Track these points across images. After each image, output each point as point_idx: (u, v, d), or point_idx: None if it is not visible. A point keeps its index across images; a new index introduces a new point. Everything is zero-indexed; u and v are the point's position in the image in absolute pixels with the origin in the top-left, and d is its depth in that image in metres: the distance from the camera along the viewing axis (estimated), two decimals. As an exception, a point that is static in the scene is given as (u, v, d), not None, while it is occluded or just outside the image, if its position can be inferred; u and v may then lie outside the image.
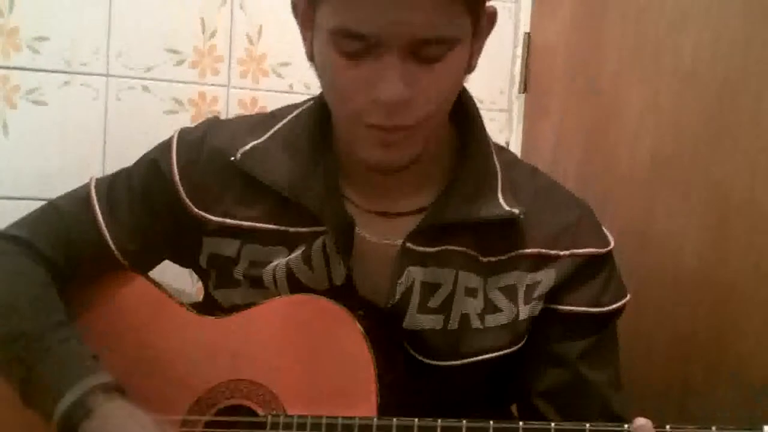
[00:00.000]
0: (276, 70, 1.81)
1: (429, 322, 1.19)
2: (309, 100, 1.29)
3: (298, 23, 1.15)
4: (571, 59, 1.84)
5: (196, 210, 1.23)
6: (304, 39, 1.15)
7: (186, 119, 1.76)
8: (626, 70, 1.64)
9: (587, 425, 1.01)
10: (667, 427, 0.99)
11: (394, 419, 1.07)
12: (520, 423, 1.03)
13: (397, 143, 1.09)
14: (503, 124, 1.99)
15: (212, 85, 1.79)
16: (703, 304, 1.42)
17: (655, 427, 0.99)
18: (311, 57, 1.14)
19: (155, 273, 1.33)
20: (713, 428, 0.97)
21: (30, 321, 1.18)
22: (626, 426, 1.00)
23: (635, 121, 1.61)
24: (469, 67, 1.14)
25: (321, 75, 1.12)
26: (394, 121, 1.06)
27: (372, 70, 1.03)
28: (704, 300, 1.41)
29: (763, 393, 1.27)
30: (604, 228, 1.27)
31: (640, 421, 0.99)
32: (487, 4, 1.11)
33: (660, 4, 1.54)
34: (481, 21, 1.11)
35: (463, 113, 1.24)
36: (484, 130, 1.25)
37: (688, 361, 1.44)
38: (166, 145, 1.28)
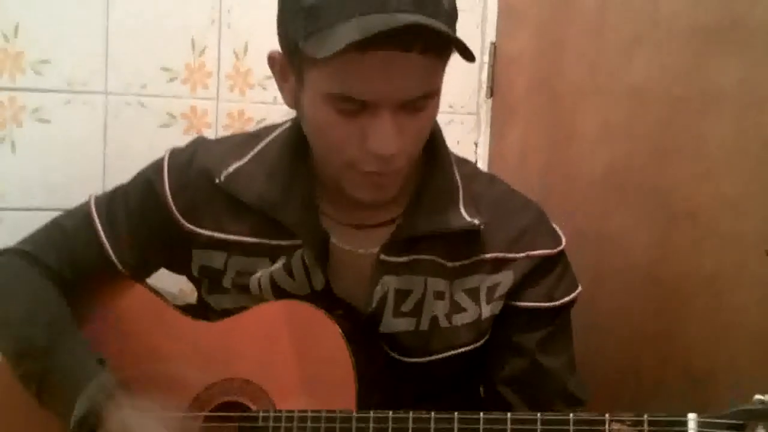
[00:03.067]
0: (261, 83, 1.84)
1: (403, 324, 1.24)
2: (287, 121, 1.32)
3: (274, 73, 1.19)
4: (534, 70, 1.87)
5: (188, 225, 1.28)
6: (282, 89, 1.19)
7: (179, 131, 1.79)
8: (584, 85, 1.67)
9: (539, 415, 1.06)
10: (606, 415, 1.04)
11: (371, 412, 1.12)
12: (481, 414, 1.08)
13: (389, 183, 1.16)
14: (472, 126, 2.03)
15: (202, 98, 1.81)
16: (652, 300, 1.47)
17: (594, 416, 1.04)
18: (293, 104, 1.18)
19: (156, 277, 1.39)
20: (645, 416, 1.02)
21: (38, 335, 1.24)
22: (572, 415, 1.05)
23: (592, 132, 1.65)
24: None
25: (310, 125, 1.16)
26: (389, 168, 1.12)
27: (367, 125, 1.08)
28: (653, 296, 1.46)
29: (706, 382, 1.33)
30: (556, 228, 1.31)
31: None
32: None
33: (616, 26, 1.58)
34: None
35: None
36: (446, 146, 1.30)
37: (640, 353, 1.49)
38: (158, 166, 1.32)
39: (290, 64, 1.13)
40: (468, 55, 1.05)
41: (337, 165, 1.15)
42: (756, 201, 1.25)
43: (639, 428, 1.02)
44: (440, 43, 1.06)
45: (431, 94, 1.11)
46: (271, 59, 1.18)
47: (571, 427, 1.04)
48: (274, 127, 1.34)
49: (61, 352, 1.22)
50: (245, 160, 1.28)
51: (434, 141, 1.27)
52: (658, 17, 1.46)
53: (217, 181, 1.26)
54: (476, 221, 1.23)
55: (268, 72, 1.75)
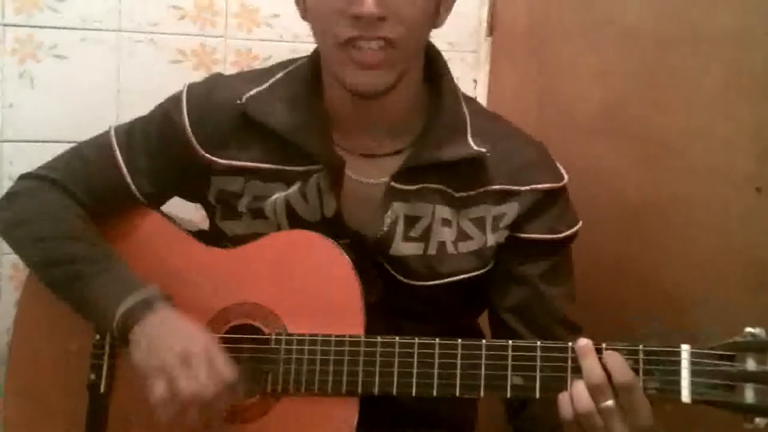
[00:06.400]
0: (267, 22, 1.84)
1: (411, 249, 1.25)
2: (301, 58, 1.34)
3: None
4: (531, 10, 1.85)
5: (206, 154, 1.28)
6: (298, 4, 1.24)
7: (189, 68, 1.80)
8: (577, 30, 1.67)
9: (538, 343, 1.09)
10: (603, 344, 1.06)
11: (379, 337, 1.15)
12: (483, 341, 1.11)
13: (376, 65, 1.16)
14: (472, 63, 2.02)
15: (211, 36, 1.81)
16: (639, 232, 1.48)
17: (594, 345, 1.06)
18: (305, 15, 1.23)
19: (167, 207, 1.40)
20: (641, 346, 1.04)
21: (82, 246, 1.27)
22: (570, 344, 1.08)
23: (586, 76, 1.64)
24: (437, 18, 1.23)
25: (311, 17, 1.21)
26: (368, 32, 1.13)
27: None
28: (640, 228, 1.47)
29: (690, 309, 1.34)
30: (558, 165, 1.32)
31: (582, 341, 1.07)
32: None
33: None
34: None
35: (434, 71, 1.31)
36: (454, 83, 1.31)
37: (628, 282, 1.50)
38: (176, 98, 1.32)
39: None
40: None
41: (329, 45, 1.18)
42: (744, 139, 1.25)
43: (634, 357, 1.04)
44: None
45: None
46: None
47: (570, 356, 1.08)
48: (286, 62, 1.36)
49: (107, 263, 1.26)
50: (264, 87, 1.30)
51: (440, 73, 1.30)
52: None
53: (238, 102, 1.27)
54: (483, 149, 1.24)
55: (275, 10, 1.78)
